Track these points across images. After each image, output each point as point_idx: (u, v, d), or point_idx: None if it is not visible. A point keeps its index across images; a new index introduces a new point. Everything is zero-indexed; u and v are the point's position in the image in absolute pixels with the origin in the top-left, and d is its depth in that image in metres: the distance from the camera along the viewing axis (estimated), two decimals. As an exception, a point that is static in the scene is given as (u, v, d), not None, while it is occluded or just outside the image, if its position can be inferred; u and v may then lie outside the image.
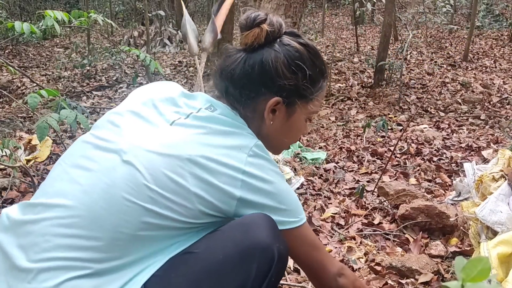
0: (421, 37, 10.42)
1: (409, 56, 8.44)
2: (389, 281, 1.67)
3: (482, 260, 0.52)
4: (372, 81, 6.64)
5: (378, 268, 1.76)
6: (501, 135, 4.01)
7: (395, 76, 6.57)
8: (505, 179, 1.63)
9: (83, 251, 0.82)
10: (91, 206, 0.84)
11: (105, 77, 7.10)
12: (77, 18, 2.63)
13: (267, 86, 0.97)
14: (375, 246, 2.01)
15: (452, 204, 2.07)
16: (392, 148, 3.17)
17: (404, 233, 2.09)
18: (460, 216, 1.98)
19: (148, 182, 0.84)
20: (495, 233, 1.51)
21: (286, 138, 1.08)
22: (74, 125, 2.00)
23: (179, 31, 9.92)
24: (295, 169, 3.07)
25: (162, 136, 0.90)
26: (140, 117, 0.95)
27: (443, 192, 2.57)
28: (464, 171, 2.16)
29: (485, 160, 2.95)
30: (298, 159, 3.37)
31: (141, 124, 0.93)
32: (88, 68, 7.20)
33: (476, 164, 2.04)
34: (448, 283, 0.51)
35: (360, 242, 2.04)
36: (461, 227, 2.02)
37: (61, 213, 0.84)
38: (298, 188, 2.68)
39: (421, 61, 8.19)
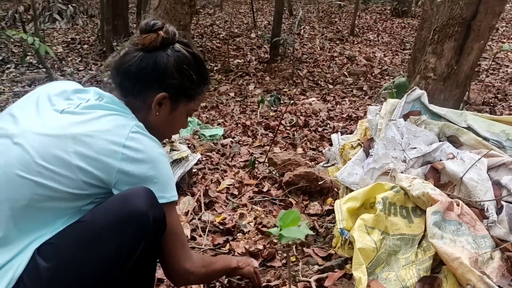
0: (314, 12, 10.97)
1: (302, 31, 8.89)
2: (274, 239, 1.95)
3: (293, 212, 0.75)
4: (269, 56, 6.96)
5: (264, 229, 2.03)
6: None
7: (289, 51, 6.93)
8: (361, 147, 1.97)
9: None
10: None
11: (-11, 58, 6.60)
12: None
13: (158, 82, 1.17)
14: (264, 210, 2.28)
15: (324, 170, 2.41)
16: (282, 121, 3.47)
17: (289, 197, 2.40)
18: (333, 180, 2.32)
19: (35, 158, 1.00)
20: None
21: (167, 128, 1.28)
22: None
23: (69, 6, 9.40)
24: (194, 146, 3.25)
25: (51, 121, 1.06)
26: (35, 108, 1.11)
27: (324, 159, 2.93)
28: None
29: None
30: (197, 136, 3.54)
31: (34, 114, 1.10)
32: (-32, 47, 6.63)
33: (342, 135, 2.38)
34: (270, 230, 0.73)
35: (251, 208, 2.29)
36: (335, 189, 2.36)
37: None
38: (196, 164, 2.87)
39: (313, 36, 8.68)
